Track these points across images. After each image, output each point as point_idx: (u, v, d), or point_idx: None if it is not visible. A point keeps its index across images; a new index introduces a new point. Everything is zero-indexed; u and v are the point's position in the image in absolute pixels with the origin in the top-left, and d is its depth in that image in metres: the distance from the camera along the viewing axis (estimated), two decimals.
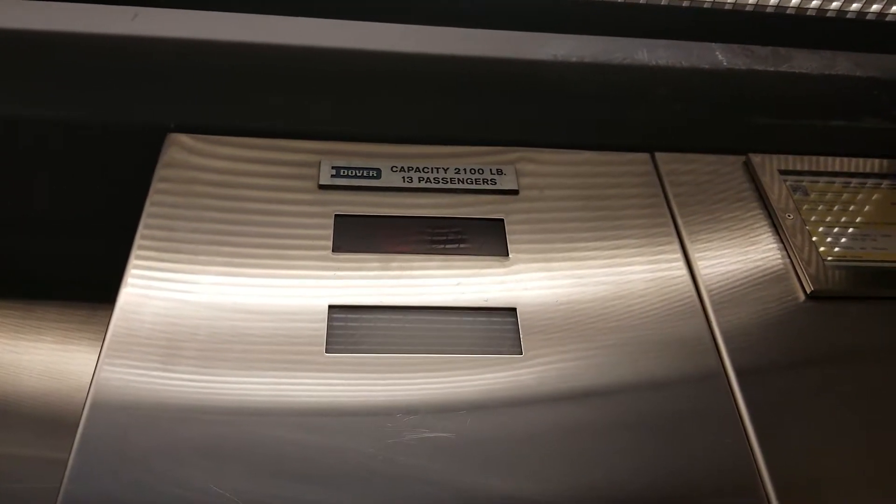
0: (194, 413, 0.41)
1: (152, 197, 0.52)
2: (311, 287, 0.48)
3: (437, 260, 0.50)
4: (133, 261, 0.48)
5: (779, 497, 0.41)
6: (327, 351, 0.45)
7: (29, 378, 0.57)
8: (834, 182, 0.60)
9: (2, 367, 0.57)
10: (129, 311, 0.45)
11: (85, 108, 0.58)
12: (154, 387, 0.42)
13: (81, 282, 0.63)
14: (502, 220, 0.53)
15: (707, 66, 0.62)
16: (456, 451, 0.41)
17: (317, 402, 0.42)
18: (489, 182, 0.55)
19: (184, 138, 0.56)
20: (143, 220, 0.50)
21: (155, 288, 0.47)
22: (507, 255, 0.51)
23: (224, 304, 0.46)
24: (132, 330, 0.44)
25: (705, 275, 0.52)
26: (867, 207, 0.58)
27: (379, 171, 0.55)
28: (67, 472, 0.38)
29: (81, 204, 0.64)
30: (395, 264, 0.50)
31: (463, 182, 0.55)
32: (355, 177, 0.54)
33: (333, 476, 0.40)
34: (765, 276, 0.52)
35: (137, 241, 0.49)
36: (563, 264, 0.51)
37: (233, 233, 0.50)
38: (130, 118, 0.58)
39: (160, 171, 0.53)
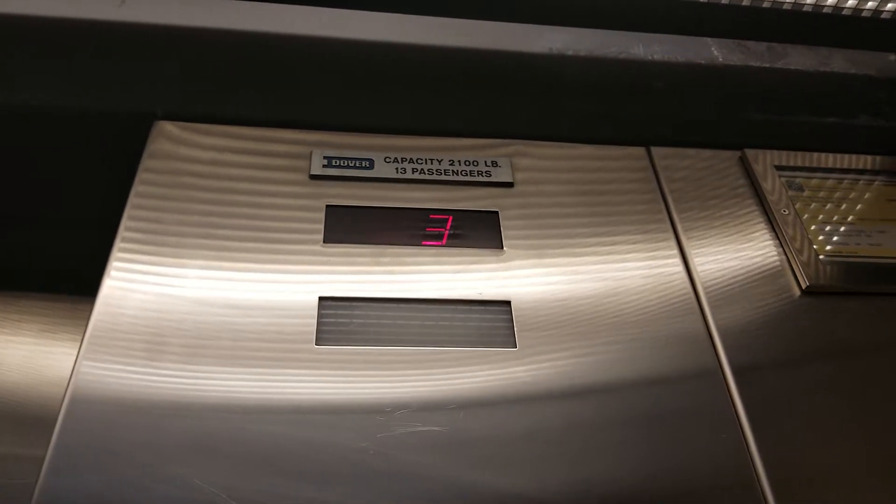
0: (180, 409, 0.40)
1: (137, 187, 0.50)
2: (301, 280, 0.47)
3: (429, 253, 0.49)
4: (116, 253, 0.46)
5: (775, 493, 0.41)
6: (317, 344, 0.44)
7: (8, 373, 0.55)
8: (829, 178, 0.59)
9: None
10: (111, 305, 0.44)
11: (70, 96, 0.56)
12: (137, 382, 0.41)
13: (63, 274, 0.61)
14: (497, 212, 0.52)
15: (703, 62, 0.62)
16: (449, 446, 0.40)
17: (307, 396, 0.41)
18: (484, 174, 0.55)
19: (171, 127, 0.54)
20: (128, 211, 0.49)
21: (138, 281, 0.45)
22: (502, 247, 0.50)
23: (211, 298, 0.45)
24: (114, 324, 0.43)
25: (701, 271, 0.51)
26: (861, 204, 0.58)
27: (372, 161, 0.54)
28: (45, 466, 0.37)
29: (63, 194, 0.62)
30: (386, 257, 0.49)
31: (457, 174, 0.54)
32: (347, 167, 0.53)
33: (325, 471, 0.39)
34: (760, 271, 0.52)
35: (121, 232, 0.47)
36: (558, 259, 0.50)
37: (221, 224, 0.49)
38: (116, 106, 0.56)
39: (146, 161, 0.52)
